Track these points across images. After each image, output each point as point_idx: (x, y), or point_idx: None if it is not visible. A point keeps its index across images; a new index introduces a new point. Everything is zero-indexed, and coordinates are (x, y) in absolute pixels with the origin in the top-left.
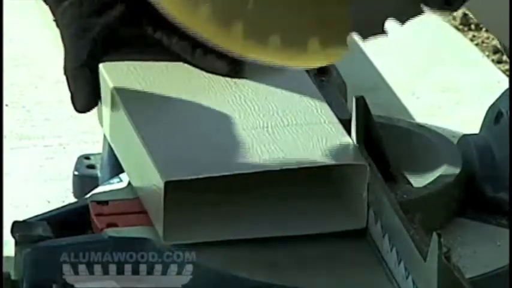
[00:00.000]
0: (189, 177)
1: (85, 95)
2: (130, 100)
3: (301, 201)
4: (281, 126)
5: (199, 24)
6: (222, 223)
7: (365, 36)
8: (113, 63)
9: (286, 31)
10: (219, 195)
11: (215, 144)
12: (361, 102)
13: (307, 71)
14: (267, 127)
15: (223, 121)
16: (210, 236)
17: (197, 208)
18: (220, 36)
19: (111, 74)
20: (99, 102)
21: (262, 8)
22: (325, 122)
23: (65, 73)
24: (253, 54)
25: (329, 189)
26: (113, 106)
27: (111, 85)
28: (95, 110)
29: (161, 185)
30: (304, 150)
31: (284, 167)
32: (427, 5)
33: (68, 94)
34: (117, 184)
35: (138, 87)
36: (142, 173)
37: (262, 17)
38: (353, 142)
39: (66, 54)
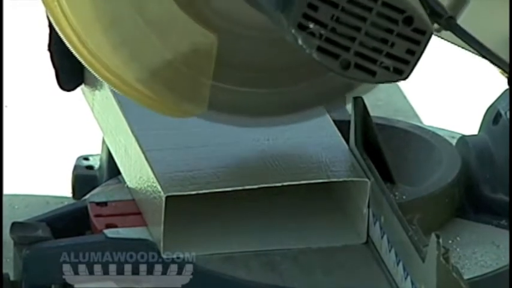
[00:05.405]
0: (189, 193)
1: (70, 72)
2: (128, 104)
3: (302, 215)
4: (282, 140)
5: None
6: (221, 236)
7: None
8: None
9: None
10: (219, 208)
11: (215, 156)
12: (360, 103)
13: None
14: (268, 140)
15: (223, 133)
16: (209, 249)
17: (197, 220)
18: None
19: None
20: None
21: None
22: (326, 136)
23: (49, 49)
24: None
25: (330, 204)
26: (109, 108)
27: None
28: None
29: (162, 198)
30: (305, 165)
31: (285, 183)
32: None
33: (67, 94)
34: (116, 185)
35: None
36: (141, 181)
37: None
38: (354, 157)
39: (51, 30)
